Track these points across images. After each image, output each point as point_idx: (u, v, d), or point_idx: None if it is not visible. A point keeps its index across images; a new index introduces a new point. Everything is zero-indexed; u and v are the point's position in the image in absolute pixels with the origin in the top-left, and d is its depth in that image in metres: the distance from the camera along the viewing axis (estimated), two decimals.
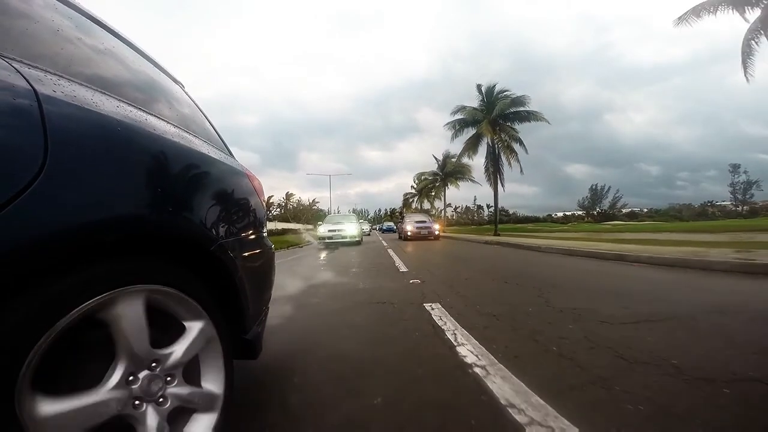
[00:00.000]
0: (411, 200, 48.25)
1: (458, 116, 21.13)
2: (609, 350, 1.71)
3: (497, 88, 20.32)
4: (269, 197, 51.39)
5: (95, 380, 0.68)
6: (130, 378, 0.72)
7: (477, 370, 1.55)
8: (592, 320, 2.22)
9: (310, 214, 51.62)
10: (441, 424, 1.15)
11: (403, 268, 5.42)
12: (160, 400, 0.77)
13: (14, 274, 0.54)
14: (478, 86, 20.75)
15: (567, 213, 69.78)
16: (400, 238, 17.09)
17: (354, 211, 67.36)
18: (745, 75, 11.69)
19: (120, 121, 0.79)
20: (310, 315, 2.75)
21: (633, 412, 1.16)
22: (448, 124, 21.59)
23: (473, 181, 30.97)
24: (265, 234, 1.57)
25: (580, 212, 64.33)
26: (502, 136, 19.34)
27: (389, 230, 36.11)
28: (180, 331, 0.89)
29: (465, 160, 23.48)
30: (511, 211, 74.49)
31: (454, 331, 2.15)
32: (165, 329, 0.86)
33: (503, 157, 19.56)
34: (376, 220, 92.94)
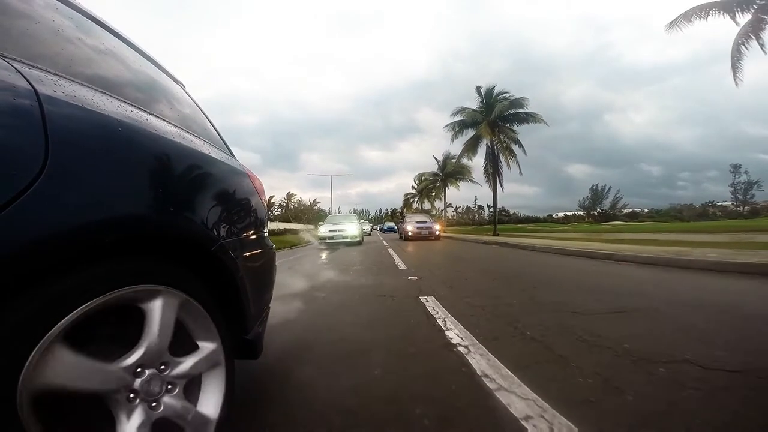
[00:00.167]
0: (412, 200, 48.57)
1: (458, 118, 21.42)
2: (574, 335, 1.99)
3: (496, 90, 20.61)
4: (270, 197, 51.75)
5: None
6: (138, 370, 0.73)
7: (461, 349, 1.85)
8: (566, 312, 2.51)
9: (311, 215, 51.95)
10: (428, 387, 1.45)
11: (402, 266, 5.73)
12: (153, 404, 0.76)
13: (15, 274, 0.54)
14: (478, 88, 21.03)
15: (568, 213, 69.96)
16: (400, 238, 17.32)
17: (355, 211, 67.52)
18: (734, 79, 11.79)
19: (121, 122, 0.78)
20: (318, 307, 3.06)
21: (582, 383, 1.43)
22: (447, 125, 21.90)
23: (473, 181, 31.29)
24: (266, 234, 1.58)
25: (580, 212, 64.52)
26: (501, 137, 19.56)
27: (390, 230, 36.27)
28: (186, 333, 0.90)
29: (465, 161, 23.78)
30: (512, 212, 74.78)
31: (444, 318, 2.45)
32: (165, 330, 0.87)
33: (502, 159, 19.79)
34: (377, 220, 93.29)
